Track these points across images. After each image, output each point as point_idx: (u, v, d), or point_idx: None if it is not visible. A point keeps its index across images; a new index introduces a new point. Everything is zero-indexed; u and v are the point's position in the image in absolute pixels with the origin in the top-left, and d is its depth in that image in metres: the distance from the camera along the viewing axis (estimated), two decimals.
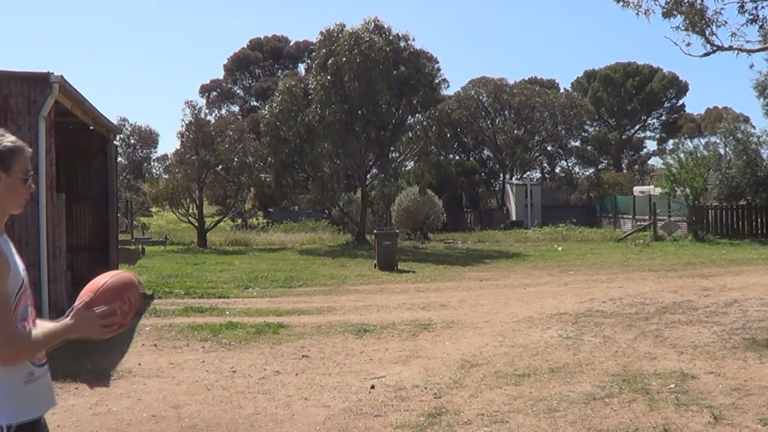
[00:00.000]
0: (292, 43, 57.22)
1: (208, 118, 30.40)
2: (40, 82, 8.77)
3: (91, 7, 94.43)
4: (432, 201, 28.01)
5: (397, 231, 19.91)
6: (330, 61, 24.15)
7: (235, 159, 26.53)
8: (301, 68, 54.06)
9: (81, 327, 2.24)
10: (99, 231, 14.23)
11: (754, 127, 31.00)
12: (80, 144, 13.95)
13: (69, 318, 2.25)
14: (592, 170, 50.81)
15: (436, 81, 26.73)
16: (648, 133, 58.64)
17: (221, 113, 45.38)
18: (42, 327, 2.27)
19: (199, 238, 26.40)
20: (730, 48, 9.95)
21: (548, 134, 44.78)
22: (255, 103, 51.98)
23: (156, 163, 40.91)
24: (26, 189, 2.30)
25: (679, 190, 24.99)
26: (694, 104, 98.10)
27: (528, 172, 46.33)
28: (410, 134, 26.39)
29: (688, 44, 10.30)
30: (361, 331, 9.02)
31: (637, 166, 53.12)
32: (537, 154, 46.30)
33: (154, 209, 42.26)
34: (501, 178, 44.76)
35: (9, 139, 2.27)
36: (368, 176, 26.75)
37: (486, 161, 45.85)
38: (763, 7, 10.19)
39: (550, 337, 8.37)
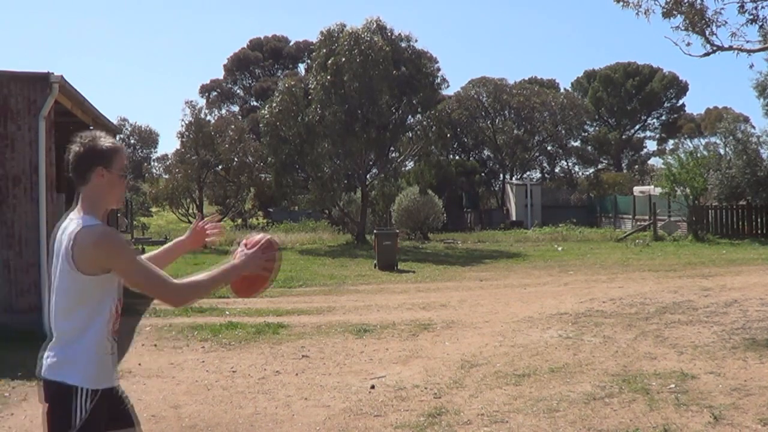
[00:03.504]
0: (292, 43, 57.21)
1: (208, 118, 30.42)
2: (40, 82, 8.76)
3: (91, 7, 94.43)
4: (432, 201, 27.99)
5: (397, 231, 19.89)
6: (330, 61, 24.13)
7: (235, 159, 26.56)
8: (301, 68, 54.06)
9: (247, 264, 2.59)
10: None
11: (754, 127, 31.05)
12: None
13: (234, 260, 2.59)
14: (592, 170, 50.76)
15: (437, 81, 26.74)
16: (648, 133, 58.61)
17: (221, 113, 45.38)
18: (203, 273, 2.55)
19: None
20: (730, 48, 9.95)
21: (548, 134, 44.76)
22: (255, 103, 51.94)
23: (156, 163, 41.09)
24: (124, 184, 2.58)
25: (679, 190, 24.97)
26: (694, 104, 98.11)
27: (528, 172, 46.38)
28: (410, 134, 26.39)
29: (688, 44, 10.32)
30: (361, 331, 9.02)
31: (637, 166, 53.07)
32: (537, 154, 46.29)
33: (154, 209, 42.26)
34: (501, 178, 44.75)
35: (109, 140, 2.51)
36: (368, 176, 26.73)
37: (486, 161, 45.83)
38: (763, 7, 10.20)
39: (550, 337, 8.36)
